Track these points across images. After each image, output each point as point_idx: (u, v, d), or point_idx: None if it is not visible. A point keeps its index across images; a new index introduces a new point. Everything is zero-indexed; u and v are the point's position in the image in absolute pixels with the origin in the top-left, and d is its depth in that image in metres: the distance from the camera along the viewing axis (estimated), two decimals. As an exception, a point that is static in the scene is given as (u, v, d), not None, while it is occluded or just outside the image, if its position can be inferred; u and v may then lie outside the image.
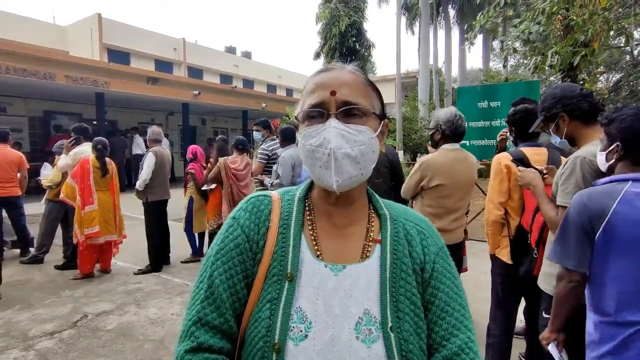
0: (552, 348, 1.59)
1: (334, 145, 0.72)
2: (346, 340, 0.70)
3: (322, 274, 0.74)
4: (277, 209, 0.81)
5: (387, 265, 0.76)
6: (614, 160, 1.49)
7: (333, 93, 0.74)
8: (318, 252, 0.77)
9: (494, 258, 2.41)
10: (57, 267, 4.96)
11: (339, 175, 0.73)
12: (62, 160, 4.98)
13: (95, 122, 11.15)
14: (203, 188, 5.19)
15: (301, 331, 0.70)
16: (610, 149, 1.49)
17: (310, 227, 0.80)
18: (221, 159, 4.95)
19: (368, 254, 0.78)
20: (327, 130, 0.73)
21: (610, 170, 1.53)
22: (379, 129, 0.79)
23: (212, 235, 5.12)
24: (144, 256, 5.04)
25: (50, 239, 5.27)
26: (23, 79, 8.98)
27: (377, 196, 0.87)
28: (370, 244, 0.79)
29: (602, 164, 1.55)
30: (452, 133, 2.62)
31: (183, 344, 0.72)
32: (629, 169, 1.45)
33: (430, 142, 2.97)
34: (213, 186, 5.11)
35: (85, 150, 4.93)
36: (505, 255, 2.31)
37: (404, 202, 2.90)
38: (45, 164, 5.83)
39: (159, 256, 5.04)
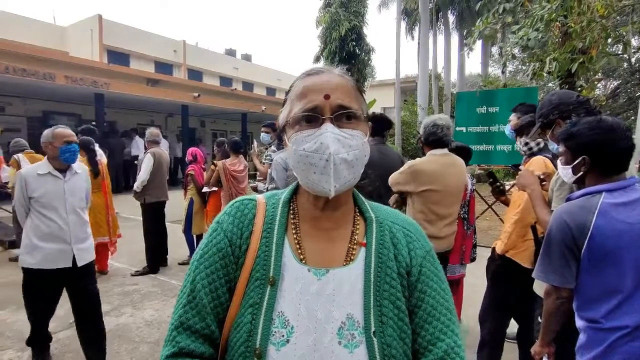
0: None
1: (333, 150, 0.70)
2: (328, 345, 0.69)
3: (305, 279, 0.74)
4: (262, 212, 0.80)
5: (372, 268, 0.75)
6: (582, 173, 1.53)
7: (327, 97, 0.73)
8: (302, 256, 0.76)
9: (503, 259, 2.36)
10: None
11: (337, 180, 0.72)
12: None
13: (94, 123, 11.15)
14: (203, 190, 5.20)
15: (283, 336, 0.70)
16: (577, 162, 1.53)
17: (294, 231, 0.79)
18: (219, 162, 4.98)
19: (352, 258, 0.77)
20: (323, 135, 0.71)
21: (577, 182, 1.57)
22: (368, 133, 0.79)
23: None
24: (141, 257, 5.03)
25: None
26: (22, 78, 8.98)
27: (363, 198, 0.85)
28: (355, 247, 0.78)
29: (569, 177, 1.58)
30: (425, 140, 2.68)
31: (165, 349, 0.72)
32: (598, 180, 1.49)
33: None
34: (214, 188, 5.13)
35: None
36: (525, 258, 2.26)
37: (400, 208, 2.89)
38: (4, 166, 5.78)
39: (156, 258, 5.03)
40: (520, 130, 2.61)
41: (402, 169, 2.67)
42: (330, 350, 0.69)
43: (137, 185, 4.94)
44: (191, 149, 5.59)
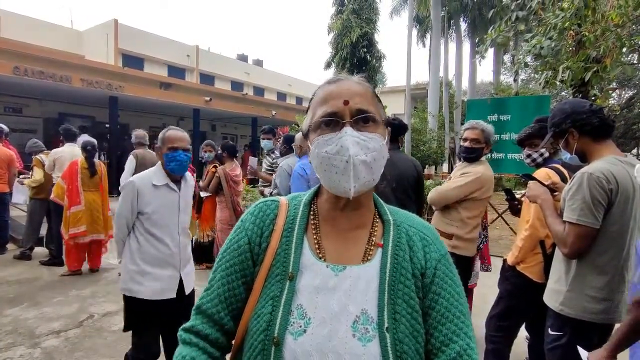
0: None
1: (352, 152, 0.74)
2: (342, 336, 0.73)
3: (323, 274, 0.78)
4: (284, 213, 0.86)
5: (387, 268, 0.79)
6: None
7: (346, 102, 0.77)
8: (320, 255, 0.81)
9: (514, 270, 2.36)
10: (42, 263, 5.14)
11: (356, 180, 0.75)
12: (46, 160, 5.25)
13: (107, 125, 11.35)
14: (201, 195, 5.12)
15: (300, 326, 0.74)
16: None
17: (314, 231, 0.84)
18: (220, 169, 4.92)
19: (369, 257, 0.81)
20: (343, 138, 0.75)
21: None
22: (387, 136, 0.82)
23: (203, 247, 5.10)
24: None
25: (34, 236, 5.48)
26: (40, 80, 9.20)
27: (382, 202, 0.89)
28: (372, 247, 0.82)
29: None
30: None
31: (185, 324, 0.84)
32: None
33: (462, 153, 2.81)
34: (210, 194, 5.07)
35: (64, 150, 5.17)
36: (535, 273, 2.25)
37: (419, 211, 2.88)
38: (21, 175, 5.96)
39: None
40: (521, 142, 2.64)
41: (463, 181, 2.65)
42: (344, 341, 0.72)
43: (121, 187, 4.97)
44: None
